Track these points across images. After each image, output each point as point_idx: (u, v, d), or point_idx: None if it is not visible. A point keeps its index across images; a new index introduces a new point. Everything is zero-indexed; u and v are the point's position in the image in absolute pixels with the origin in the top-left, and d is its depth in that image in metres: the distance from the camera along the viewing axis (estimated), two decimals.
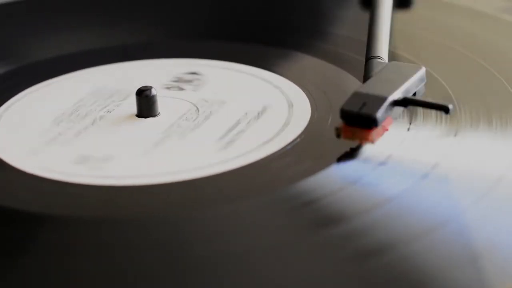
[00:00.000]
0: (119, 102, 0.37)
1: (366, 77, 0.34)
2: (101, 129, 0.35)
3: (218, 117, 0.35)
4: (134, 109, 0.36)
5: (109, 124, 0.35)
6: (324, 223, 0.28)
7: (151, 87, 0.36)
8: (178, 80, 0.39)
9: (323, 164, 0.31)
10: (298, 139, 0.33)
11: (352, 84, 0.37)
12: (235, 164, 0.31)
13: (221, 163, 0.32)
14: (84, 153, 0.33)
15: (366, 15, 0.41)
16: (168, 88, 0.38)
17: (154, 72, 0.40)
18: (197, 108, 0.36)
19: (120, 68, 0.41)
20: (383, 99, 0.31)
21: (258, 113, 0.35)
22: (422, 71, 0.33)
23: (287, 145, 0.33)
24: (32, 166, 0.32)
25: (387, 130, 0.31)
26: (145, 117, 0.36)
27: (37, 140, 0.34)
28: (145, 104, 0.36)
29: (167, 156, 0.33)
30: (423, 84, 0.33)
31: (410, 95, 0.33)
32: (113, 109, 0.37)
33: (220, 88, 0.38)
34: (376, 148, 0.31)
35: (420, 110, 0.34)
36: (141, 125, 0.35)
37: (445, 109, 0.31)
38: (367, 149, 0.32)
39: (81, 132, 0.35)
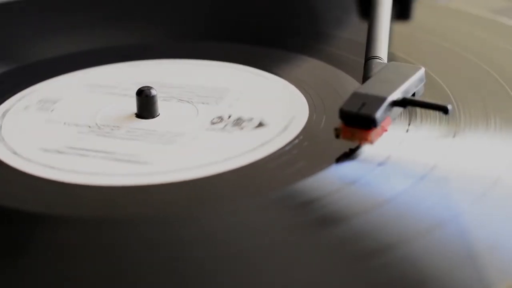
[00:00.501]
0: (118, 101, 0.37)
1: (365, 77, 0.34)
2: (101, 129, 0.35)
3: (218, 113, 0.35)
4: (134, 109, 0.36)
5: (109, 124, 0.35)
6: (323, 223, 0.28)
7: (151, 87, 0.36)
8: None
9: (322, 165, 0.31)
10: (297, 140, 0.33)
11: (351, 85, 0.37)
12: (234, 164, 0.32)
13: (221, 163, 0.32)
14: (83, 153, 0.33)
15: (365, 19, 0.42)
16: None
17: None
18: (197, 108, 0.36)
19: (120, 68, 0.41)
20: (382, 99, 0.31)
21: (257, 113, 0.35)
22: (421, 72, 0.33)
23: (286, 146, 0.33)
24: (32, 166, 0.32)
25: (386, 130, 0.31)
26: (145, 117, 0.36)
27: (37, 140, 0.34)
28: (145, 104, 0.36)
29: (167, 156, 0.33)
30: (422, 84, 0.33)
31: (409, 95, 0.33)
32: (113, 109, 0.37)
33: (220, 88, 0.38)
34: (375, 148, 0.31)
35: (419, 110, 0.34)
36: (141, 125, 0.35)
37: (444, 110, 0.31)
38: (366, 150, 0.32)
39: (81, 132, 0.35)
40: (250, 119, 0.35)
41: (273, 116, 0.35)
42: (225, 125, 0.35)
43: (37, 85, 0.39)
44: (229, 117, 0.35)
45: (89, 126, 0.35)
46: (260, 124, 0.34)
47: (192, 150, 0.33)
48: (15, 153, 0.33)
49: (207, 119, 0.35)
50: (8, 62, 0.42)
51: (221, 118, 0.35)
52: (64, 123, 0.36)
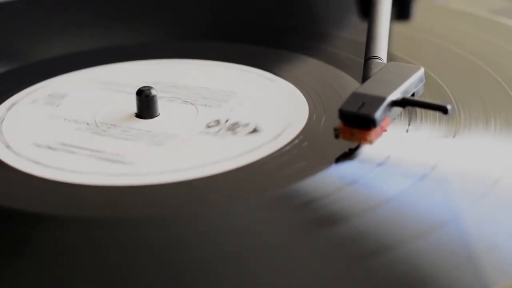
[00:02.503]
0: (117, 102, 0.37)
1: (364, 77, 0.34)
2: (99, 126, 0.35)
3: (216, 116, 0.36)
4: (134, 109, 0.36)
5: (107, 123, 0.35)
6: (323, 223, 0.28)
7: (151, 87, 0.36)
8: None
9: (321, 165, 0.31)
10: (297, 140, 0.33)
11: (351, 85, 0.37)
12: (234, 164, 0.32)
13: (220, 163, 0.32)
14: (72, 150, 0.33)
15: (364, 19, 0.42)
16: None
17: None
18: (197, 108, 0.36)
19: (120, 68, 0.41)
20: (382, 99, 0.31)
21: (257, 114, 0.35)
22: (420, 72, 0.33)
23: (285, 146, 0.33)
24: (32, 166, 0.32)
25: (385, 130, 0.31)
26: (145, 117, 0.36)
27: (33, 134, 0.34)
28: (145, 104, 0.36)
29: (167, 156, 0.33)
30: (421, 84, 0.33)
31: (408, 95, 0.33)
32: (116, 108, 0.37)
33: (220, 88, 0.38)
34: (374, 148, 0.31)
35: (419, 110, 0.34)
36: (138, 125, 0.35)
37: (443, 110, 0.31)
38: (366, 150, 0.32)
39: (78, 129, 0.35)
40: (246, 125, 0.35)
41: (269, 122, 0.35)
42: (219, 130, 0.34)
43: (37, 85, 0.39)
44: (226, 121, 0.35)
45: (88, 124, 0.35)
46: (254, 130, 0.34)
47: (191, 149, 0.33)
48: (8, 146, 0.34)
49: (204, 122, 0.35)
50: (8, 62, 0.42)
51: (218, 122, 0.35)
52: (65, 119, 0.36)
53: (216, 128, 0.34)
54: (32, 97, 0.38)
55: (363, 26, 0.40)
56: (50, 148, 0.33)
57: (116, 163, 0.32)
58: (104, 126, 0.35)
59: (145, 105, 0.36)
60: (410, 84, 0.33)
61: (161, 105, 0.36)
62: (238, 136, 0.34)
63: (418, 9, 0.47)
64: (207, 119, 0.35)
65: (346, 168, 0.31)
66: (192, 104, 0.37)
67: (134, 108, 0.36)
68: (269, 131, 0.34)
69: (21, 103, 0.38)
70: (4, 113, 0.37)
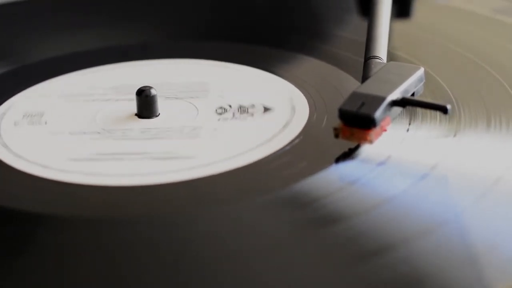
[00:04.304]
0: (118, 101, 0.37)
1: (364, 77, 0.34)
2: (101, 129, 0.35)
3: (216, 116, 0.36)
4: (134, 109, 0.36)
5: (109, 124, 0.35)
6: (323, 223, 0.28)
7: (151, 87, 0.36)
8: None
9: (321, 165, 0.31)
10: (297, 140, 0.33)
11: (351, 84, 0.37)
12: (233, 164, 0.32)
13: (220, 163, 0.32)
14: (83, 151, 0.33)
15: (365, 18, 0.42)
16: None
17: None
18: (197, 109, 0.36)
19: (120, 68, 0.41)
20: (382, 99, 0.31)
21: (257, 114, 0.36)
22: (420, 71, 0.33)
23: (286, 146, 0.33)
24: (32, 166, 0.32)
25: (385, 130, 0.31)
26: (145, 117, 0.36)
27: (37, 140, 0.34)
28: (145, 104, 0.36)
29: (166, 156, 0.33)
30: (421, 84, 0.33)
31: (408, 95, 0.33)
32: (112, 109, 0.37)
33: (220, 88, 0.38)
34: (375, 148, 0.31)
35: (419, 110, 0.34)
36: (141, 125, 0.35)
37: (443, 110, 0.31)
38: (367, 149, 0.32)
39: (81, 131, 0.35)
40: (252, 106, 0.35)
41: (272, 117, 0.35)
42: (233, 114, 0.35)
43: (37, 85, 0.39)
44: (230, 106, 0.36)
45: (99, 133, 0.35)
46: (266, 109, 0.35)
47: (191, 149, 0.33)
48: (14, 152, 0.33)
49: (211, 111, 0.36)
50: (8, 62, 0.42)
51: (223, 109, 0.36)
52: (64, 123, 0.36)
53: (228, 114, 0.35)
54: (18, 105, 0.37)
55: (363, 25, 0.40)
56: (92, 160, 0.33)
57: (179, 159, 0.32)
58: (118, 131, 0.35)
59: (146, 105, 0.35)
60: (410, 84, 0.33)
61: (160, 105, 0.36)
62: (256, 117, 0.35)
63: (418, 8, 0.47)
64: (211, 108, 0.36)
65: (346, 168, 0.31)
66: (185, 100, 0.37)
67: (129, 109, 0.36)
68: (280, 109, 0.35)
69: (8, 111, 0.37)
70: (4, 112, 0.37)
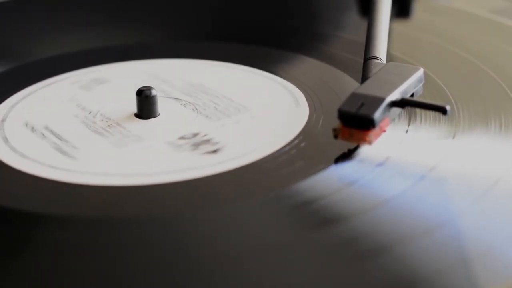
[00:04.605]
0: (117, 101, 0.37)
1: (364, 77, 0.34)
2: (100, 128, 0.35)
3: (216, 116, 0.36)
4: (134, 109, 0.36)
5: (108, 124, 0.35)
6: (322, 223, 0.28)
7: (151, 87, 0.36)
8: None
9: (321, 165, 0.31)
10: (297, 140, 0.33)
11: (350, 85, 0.37)
12: (233, 164, 0.32)
13: (220, 163, 0.32)
14: (82, 152, 0.33)
15: (364, 17, 0.42)
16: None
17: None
18: (196, 109, 0.36)
19: (119, 68, 0.41)
20: (381, 100, 0.31)
21: (257, 114, 0.36)
22: (420, 72, 0.33)
23: (285, 146, 0.33)
24: (32, 166, 0.32)
25: (384, 131, 0.31)
26: (145, 118, 0.36)
27: (37, 140, 0.34)
28: (145, 104, 0.36)
29: (165, 156, 0.33)
30: (421, 85, 0.33)
31: (408, 96, 0.33)
32: (112, 109, 0.37)
33: (220, 88, 0.38)
34: (374, 149, 0.31)
35: (418, 111, 0.34)
36: (141, 125, 0.35)
37: (442, 110, 0.31)
38: (366, 150, 0.32)
39: (81, 131, 0.35)
40: (249, 120, 0.35)
41: (272, 117, 0.35)
42: (233, 114, 0.36)
43: (37, 85, 0.39)
44: (230, 106, 0.36)
45: (88, 126, 0.35)
46: (259, 125, 0.35)
47: (191, 149, 0.33)
48: (14, 152, 0.33)
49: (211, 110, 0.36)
50: (8, 62, 0.42)
51: (223, 109, 0.36)
52: (64, 123, 0.36)
53: (229, 114, 0.35)
54: (18, 105, 0.37)
55: (363, 26, 0.40)
56: (92, 159, 0.33)
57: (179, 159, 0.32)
58: (117, 131, 0.35)
59: (146, 105, 0.36)
60: (410, 85, 0.33)
61: (160, 105, 0.36)
62: (256, 117, 0.35)
63: (418, 9, 0.47)
64: (211, 109, 0.36)
65: (345, 168, 0.31)
66: (188, 101, 0.37)
67: (129, 109, 0.36)
68: (279, 109, 0.36)
69: (8, 111, 0.37)
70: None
